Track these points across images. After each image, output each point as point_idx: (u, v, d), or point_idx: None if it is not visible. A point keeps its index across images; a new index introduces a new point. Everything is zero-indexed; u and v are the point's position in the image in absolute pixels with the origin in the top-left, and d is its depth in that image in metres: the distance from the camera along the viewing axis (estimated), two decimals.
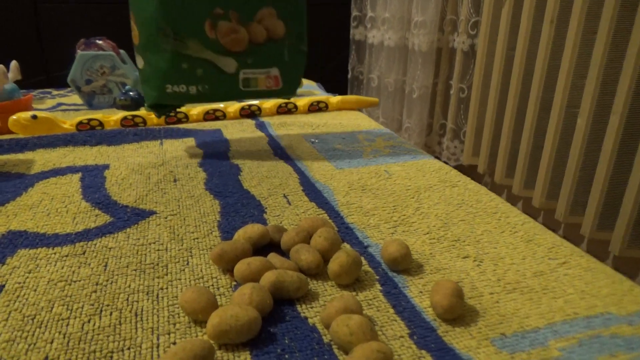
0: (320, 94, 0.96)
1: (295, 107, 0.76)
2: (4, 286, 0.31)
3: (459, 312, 0.27)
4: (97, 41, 0.82)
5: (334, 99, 0.79)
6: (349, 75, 2.07)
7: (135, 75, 0.83)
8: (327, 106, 0.78)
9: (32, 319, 0.28)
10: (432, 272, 0.32)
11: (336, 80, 2.03)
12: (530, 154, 1.28)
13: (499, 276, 0.32)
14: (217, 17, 0.49)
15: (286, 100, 0.76)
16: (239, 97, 0.53)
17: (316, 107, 0.78)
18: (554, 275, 0.32)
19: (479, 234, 0.38)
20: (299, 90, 0.97)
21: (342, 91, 2.06)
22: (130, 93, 0.74)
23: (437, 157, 1.87)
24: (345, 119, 0.73)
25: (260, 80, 0.52)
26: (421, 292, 0.30)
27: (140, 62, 0.52)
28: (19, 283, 0.31)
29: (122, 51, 0.85)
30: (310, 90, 0.98)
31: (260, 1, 0.50)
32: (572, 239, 1.21)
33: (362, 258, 0.34)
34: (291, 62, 0.54)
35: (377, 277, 0.32)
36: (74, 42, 0.89)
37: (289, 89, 0.55)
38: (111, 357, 0.25)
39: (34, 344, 0.26)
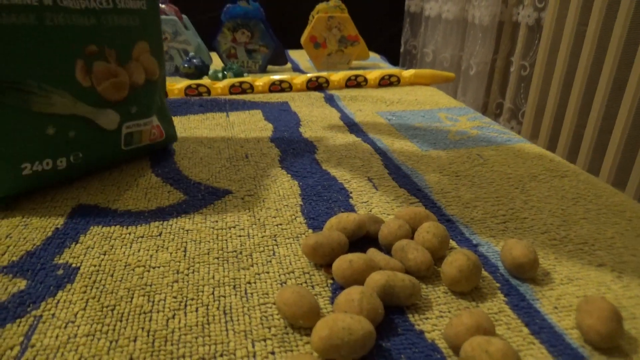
0: (387, 67, 0.90)
1: (365, 80, 0.71)
2: (79, 268, 0.28)
3: (619, 342, 0.22)
4: (161, 5, 0.78)
5: (407, 73, 0.73)
6: (402, 49, 1.97)
7: (198, 42, 0.79)
8: (399, 80, 0.72)
9: (112, 310, 0.25)
10: (563, 283, 0.27)
11: (388, 54, 1.94)
12: (597, 139, 1.18)
13: None
14: (91, 56, 0.37)
15: (356, 73, 0.71)
16: (119, 159, 0.42)
17: (387, 82, 0.72)
18: None
19: (609, 237, 0.32)
20: (365, 62, 0.92)
21: (394, 66, 1.98)
22: (194, 60, 0.70)
23: None
24: (421, 95, 0.67)
25: (144, 132, 0.42)
26: (556, 307, 0.25)
27: None
28: (95, 266, 0.29)
29: (184, 16, 0.81)
30: (375, 63, 0.92)
31: (137, 33, 0.40)
32: None
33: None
34: (162, 106, 0.45)
35: (498, 285, 0.27)
36: None
37: (172, 135, 0.46)
38: None
39: (116, 342, 0.23)
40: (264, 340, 0.23)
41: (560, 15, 1.29)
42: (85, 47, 0.36)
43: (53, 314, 0.25)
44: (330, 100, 0.64)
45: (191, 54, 0.73)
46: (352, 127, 0.54)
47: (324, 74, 0.70)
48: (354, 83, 0.71)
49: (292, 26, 1.68)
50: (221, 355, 0.22)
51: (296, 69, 0.87)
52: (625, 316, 0.25)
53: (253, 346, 0.23)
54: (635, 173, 1.01)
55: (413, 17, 1.92)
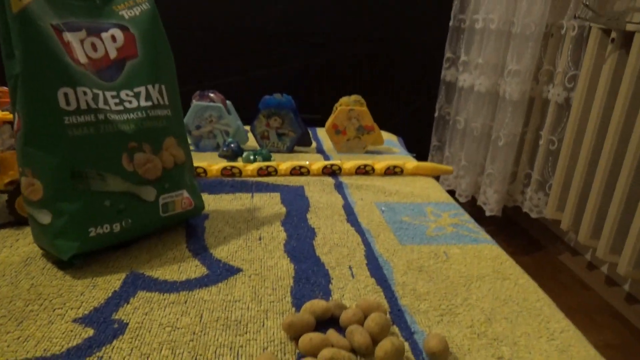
0: (399, 151, 1.02)
1: (373, 169, 0.84)
2: (128, 324, 0.41)
3: None
4: (210, 94, 0.95)
5: (410, 165, 0.85)
6: (436, 115, 2.09)
7: (238, 124, 0.95)
8: (402, 171, 0.85)
9: (147, 357, 0.37)
10: None
11: (422, 118, 2.04)
12: (621, 218, 1.23)
13: None
14: (132, 150, 0.51)
15: (365, 162, 0.83)
16: (158, 225, 0.55)
17: (392, 171, 0.84)
18: None
19: (518, 335, 0.42)
20: (380, 148, 1.04)
21: (426, 131, 2.09)
22: (232, 145, 0.85)
23: (518, 207, 1.83)
24: (418, 187, 0.79)
25: (177, 202, 0.56)
26: None
27: (45, 218, 0.48)
28: (138, 323, 0.41)
29: (228, 102, 0.98)
30: (390, 147, 1.05)
31: (165, 132, 0.54)
32: None
33: (407, 343, 0.40)
34: (191, 183, 0.59)
35: None
36: (190, 92, 1.05)
37: (200, 206, 0.60)
38: None
39: None
40: None
41: (589, 96, 1.39)
42: (128, 144, 0.51)
43: (110, 357, 0.37)
44: (339, 188, 0.77)
45: (230, 139, 0.88)
46: (350, 216, 0.66)
47: (337, 162, 0.83)
48: (363, 171, 0.84)
49: (327, 102, 1.85)
50: None
51: (320, 149, 1.01)
52: None
53: None
54: None
55: (448, 86, 2.05)
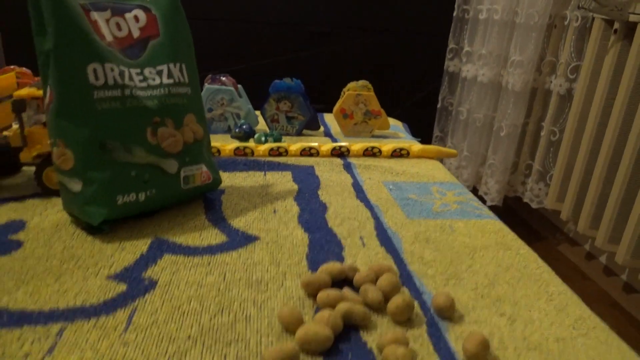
0: (405, 136, 1.05)
1: (380, 151, 0.87)
2: (157, 282, 0.44)
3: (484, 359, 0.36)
4: (221, 77, 0.98)
5: (416, 148, 0.88)
6: (439, 105, 2.12)
7: (248, 107, 0.98)
8: (408, 153, 0.88)
9: (178, 309, 0.41)
10: (470, 323, 0.41)
11: (425, 108, 2.07)
12: (620, 208, 1.26)
13: (526, 335, 0.39)
14: (156, 125, 0.54)
15: (373, 144, 0.86)
16: (180, 196, 0.59)
17: (398, 154, 0.87)
18: (573, 343, 0.39)
19: (519, 297, 0.45)
20: (386, 132, 1.07)
21: (429, 121, 2.12)
22: (244, 127, 0.88)
23: (519, 197, 1.87)
24: (424, 168, 0.82)
25: (197, 176, 0.59)
26: (458, 337, 0.39)
27: (76, 186, 0.52)
28: (167, 281, 0.45)
29: (240, 86, 1.00)
30: (396, 132, 1.08)
31: (186, 108, 0.57)
32: None
33: (416, 302, 0.43)
34: (209, 159, 0.62)
35: (426, 320, 0.41)
36: (203, 77, 1.08)
37: (217, 180, 0.63)
38: (230, 344, 0.37)
39: (180, 327, 0.38)
40: (268, 335, 0.38)
41: (591, 87, 1.42)
42: (152, 119, 0.54)
43: (143, 307, 0.40)
44: (348, 168, 0.80)
45: (242, 121, 0.91)
46: (360, 193, 0.69)
47: (346, 143, 0.86)
48: (370, 153, 0.87)
49: (333, 92, 1.88)
50: (241, 341, 0.37)
51: (327, 132, 1.04)
52: (500, 347, 0.38)
53: (260, 338, 0.38)
54: None
55: (451, 77, 2.07)
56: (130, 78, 0.54)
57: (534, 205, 1.72)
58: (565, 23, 1.55)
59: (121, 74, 0.53)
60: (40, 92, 0.60)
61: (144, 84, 0.55)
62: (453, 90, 2.08)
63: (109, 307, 0.40)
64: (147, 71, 0.56)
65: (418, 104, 2.05)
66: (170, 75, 0.57)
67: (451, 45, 2.03)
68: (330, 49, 1.91)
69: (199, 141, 0.60)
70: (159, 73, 0.57)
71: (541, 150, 1.67)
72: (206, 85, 0.97)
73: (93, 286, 0.43)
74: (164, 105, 0.56)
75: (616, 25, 1.29)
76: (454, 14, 1.98)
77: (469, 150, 1.93)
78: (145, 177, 0.54)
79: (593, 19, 1.40)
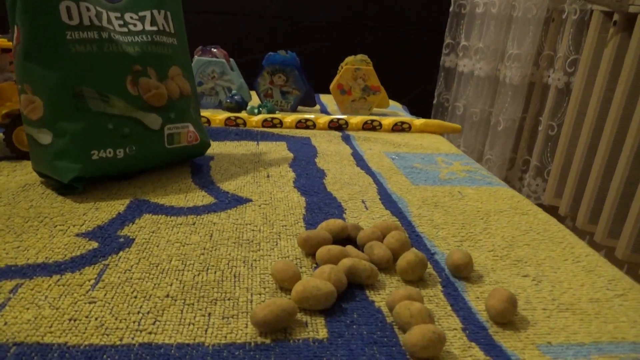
0: (405, 116, 1.00)
1: (380, 125, 0.82)
2: (134, 240, 0.39)
3: (511, 318, 0.31)
4: (212, 49, 0.92)
5: (417, 122, 0.83)
6: (435, 101, 2.08)
7: (240, 81, 0.92)
8: (410, 127, 0.83)
9: (156, 267, 0.35)
10: (490, 283, 0.36)
11: (421, 105, 2.05)
12: (619, 203, 1.23)
13: (555, 296, 0.35)
14: (137, 74, 0.49)
15: (372, 118, 0.81)
16: (164, 157, 0.53)
17: (399, 127, 0.82)
18: (609, 304, 0.34)
19: (542, 258, 0.40)
20: (385, 110, 1.02)
21: (426, 117, 2.08)
22: (235, 97, 0.83)
23: None
24: (427, 141, 0.77)
25: (182, 135, 0.53)
26: (478, 297, 0.34)
27: (45, 138, 0.46)
28: (146, 239, 0.39)
29: (231, 59, 0.95)
30: (395, 112, 1.03)
31: (171, 59, 0.52)
32: None
33: (428, 262, 0.38)
34: (197, 119, 0.57)
35: (440, 280, 0.36)
36: (193, 48, 1.03)
37: (206, 142, 0.58)
38: (215, 302, 0.31)
39: (158, 284, 0.33)
40: (260, 294, 0.33)
41: (589, 80, 1.38)
42: (132, 66, 0.49)
43: (116, 264, 0.35)
44: (347, 139, 0.75)
45: (234, 91, 0.86)
46: (360, 162, 0.64)
47: (344, 116, 0.81)
48: (370, 126, 0.82)
49: (329, 74, 1.83)
50: (229, 299, 0.32)
51: (323, 111, 0.99)
52: (528, 308, 0.33)
53: (251, 296, 0.32)
54: None
55: (448, 72, 2.04)
56: (109, 21, 0.49)
57: (531, 201, 1.68)
58: (564, 16, 1.51)
59: (98, 15, 0.47)
60: (10, 44, 0.55)
61: (124, 29, 0.50)
62: (449, 86, 2.04)
63: (76, 264, 0.35)
64: (127, 16, 0.50)
65: (414, 100, 2.01)
66: (153, 22, 0.52)
67: (447, 40, 1.99)
68: (325, 43, 1.86)
69: (185, 97, 0.55)
70: (142, 19, 0.51)
71: (539, 145, 1.63)
72: (196, 57, 0.91)
73: (59, 243, 0.38)
74: (146, 53, 0.50)
75: (615, 17, 1.25)
76: (450, 9, 1.94)
77: (466, 145, 1.89)
78: (125, 131, 0.49)
79: (592, 11, 1.36)
